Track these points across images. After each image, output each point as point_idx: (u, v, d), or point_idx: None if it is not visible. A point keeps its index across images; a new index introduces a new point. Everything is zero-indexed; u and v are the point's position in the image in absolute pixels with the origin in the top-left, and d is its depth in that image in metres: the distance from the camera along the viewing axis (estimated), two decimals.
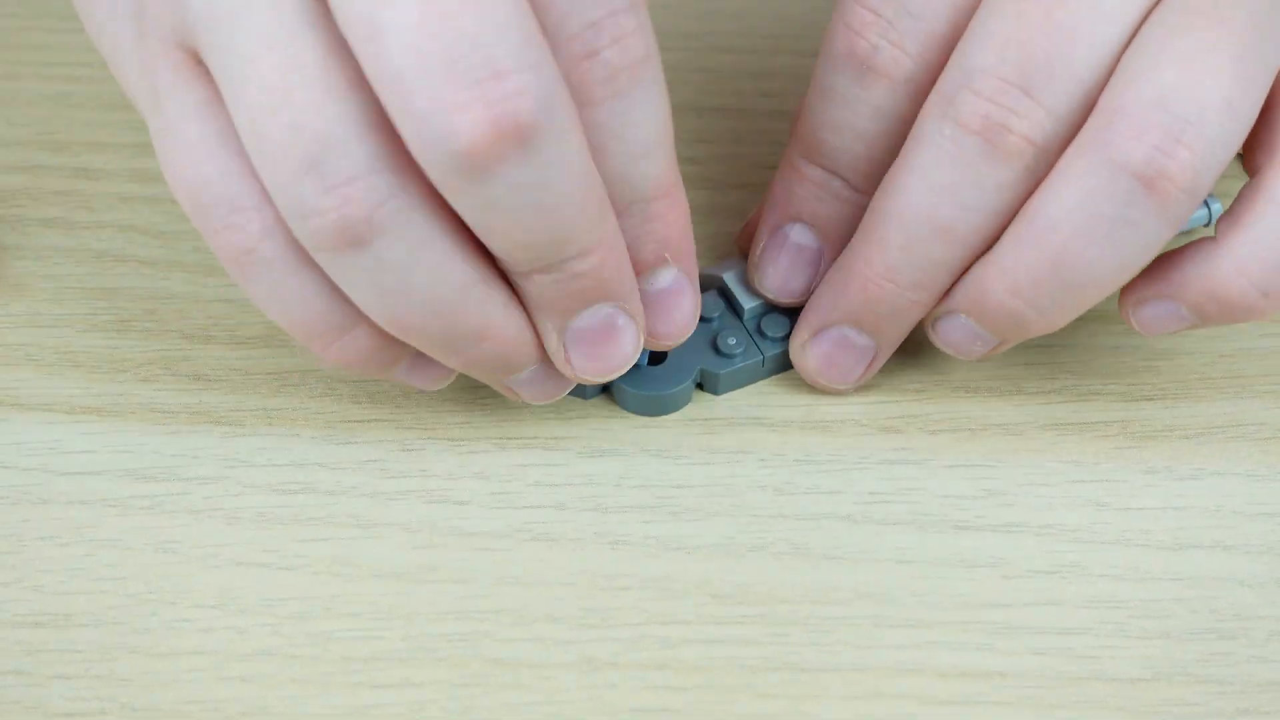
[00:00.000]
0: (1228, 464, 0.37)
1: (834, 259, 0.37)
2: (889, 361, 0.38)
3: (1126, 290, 0.36)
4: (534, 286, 0.32)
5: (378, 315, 0.32)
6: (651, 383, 0.37)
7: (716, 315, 0.38)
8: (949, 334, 0.36)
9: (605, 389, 0.38)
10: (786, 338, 0.38)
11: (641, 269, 0.34)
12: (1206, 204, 0.40)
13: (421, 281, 0.31)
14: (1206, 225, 0.40)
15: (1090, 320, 0.39)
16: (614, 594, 0.35)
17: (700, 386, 0.38)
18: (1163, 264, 0.35)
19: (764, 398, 0.38)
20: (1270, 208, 0.33)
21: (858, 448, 0.37)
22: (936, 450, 0.37)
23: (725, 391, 0.38)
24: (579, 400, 0.38)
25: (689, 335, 0.35)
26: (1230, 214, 0.34)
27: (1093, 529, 0.36)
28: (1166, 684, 0.34)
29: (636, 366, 0.37)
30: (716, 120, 0.44)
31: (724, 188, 0.42)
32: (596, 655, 0.34)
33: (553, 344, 0.33)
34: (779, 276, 0.37)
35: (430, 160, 0.29)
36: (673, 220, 0.33)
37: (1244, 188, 0.34)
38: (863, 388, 0.38)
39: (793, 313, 0.38)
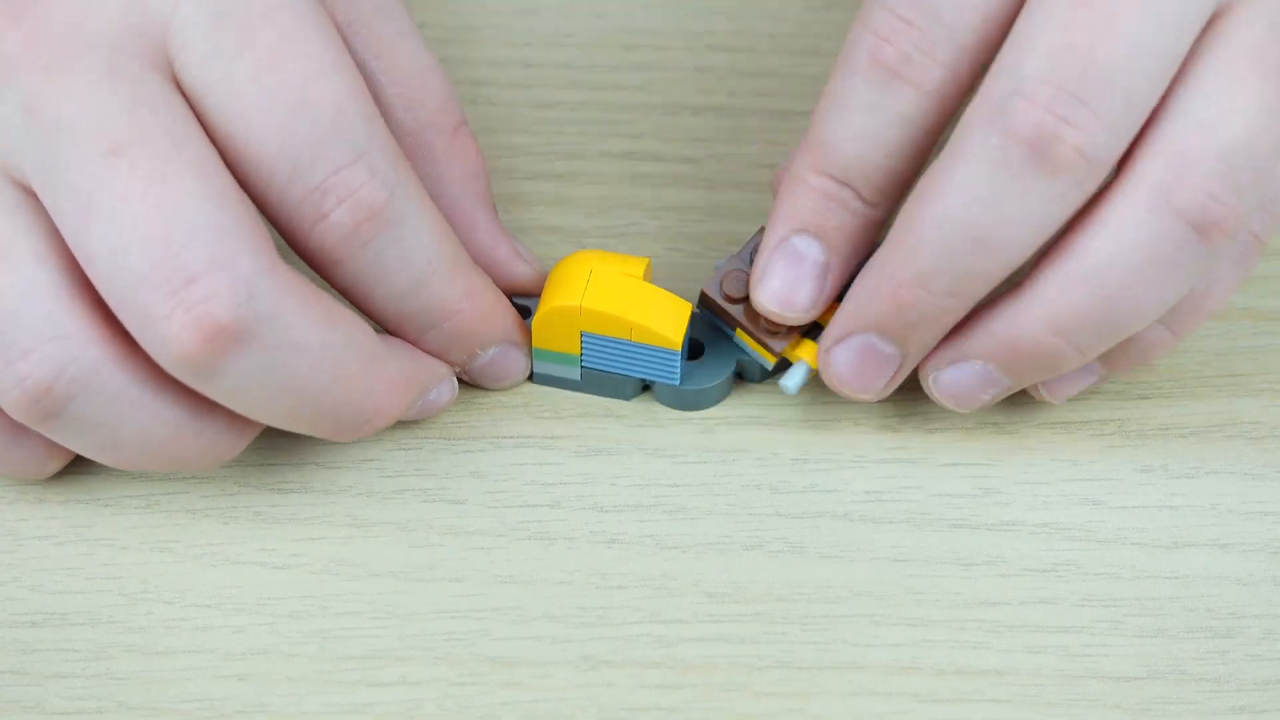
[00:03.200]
0: (1224, 463, 0.37)
1: (840, 276, 0.35)
2: None
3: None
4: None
5: (105, 461, 0.33)
6: (691, 378, 0.37)
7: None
8: (955, 384, 0.35)
9: (645, 387, 0.38)
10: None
11: (460, 362, 0.36)
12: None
13: (128, 432, 0.32)
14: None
15: None
16: (610, 592, 0.35)
17: (740, 376, 0.38)
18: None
19: (761, 397, 0.38)
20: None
21: (854, 447, 0.37)
22: (933, 449, 0.37)
23: (765, 379, 0.38)
24: (575, 399, 0.38)
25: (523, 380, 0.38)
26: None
27: (1088, 527, 0.36)
28: (1162, 682, 0.34)
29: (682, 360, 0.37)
30: (712, 119, 0.44)
31: (719, 187, 0.42)
32: (593, 653, 0.34)
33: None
34: (783, 289, 0.35)
35: (164, 366, 0.31)
36: (474, 327, 0.35)
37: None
38: None
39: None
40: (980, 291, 0.33)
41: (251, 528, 0.36)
